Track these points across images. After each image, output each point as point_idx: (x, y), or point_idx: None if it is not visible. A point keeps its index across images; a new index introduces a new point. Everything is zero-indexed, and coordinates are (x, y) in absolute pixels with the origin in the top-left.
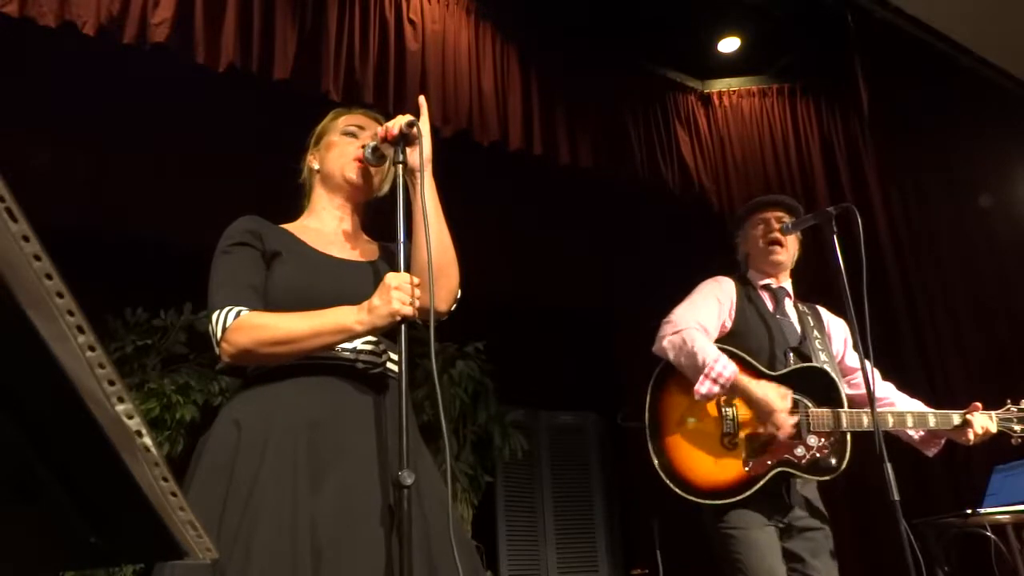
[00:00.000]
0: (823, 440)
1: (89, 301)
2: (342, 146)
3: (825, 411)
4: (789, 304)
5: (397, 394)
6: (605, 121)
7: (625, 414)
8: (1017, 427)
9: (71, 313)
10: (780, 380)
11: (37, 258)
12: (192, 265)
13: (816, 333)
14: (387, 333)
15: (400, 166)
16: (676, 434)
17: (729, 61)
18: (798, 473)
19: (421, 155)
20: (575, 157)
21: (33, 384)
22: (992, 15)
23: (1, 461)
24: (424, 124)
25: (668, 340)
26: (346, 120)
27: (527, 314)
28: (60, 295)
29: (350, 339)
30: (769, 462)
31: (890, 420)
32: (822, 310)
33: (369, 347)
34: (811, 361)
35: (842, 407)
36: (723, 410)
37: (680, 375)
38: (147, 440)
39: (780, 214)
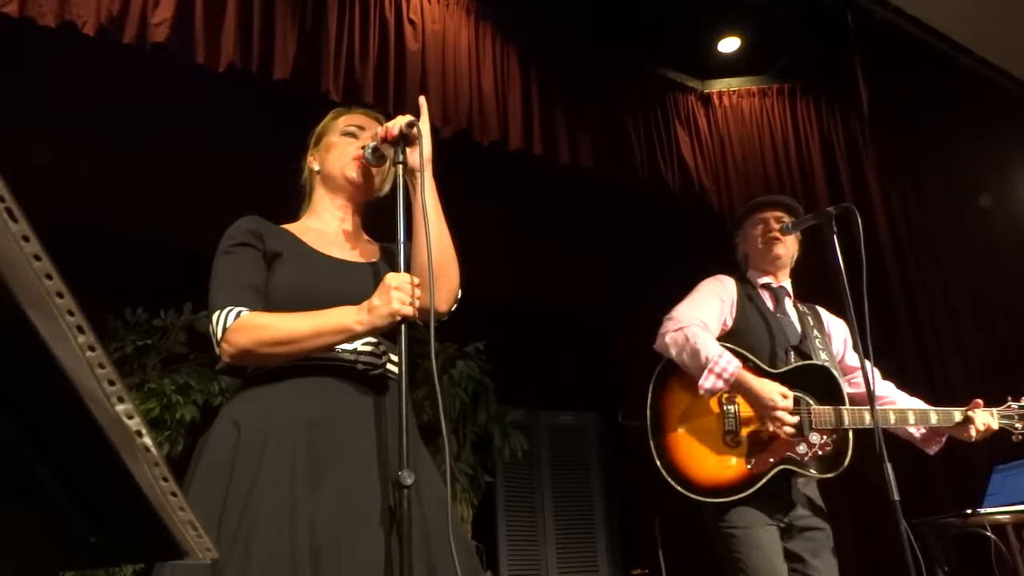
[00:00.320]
0: (825, 437)
1: (89, 301)
2: (342, 146)
3: (827, 408)
4: (789, 303)
5: (397, 394)
6: (605, 121)
7: (626, 412)
8: (1018, 424)
9: (71, 313)
10: (782, 378)
11: (37, 258)
12: (192, 265)
13: (816, 332)
14: (387, 334)
15: (400, 166)
16: (677, 432)
17: (729, 61)
18: (800, 470)
19: (421, 155)
20: (575, 157)
21: (33, 384)
22: (992, 15)
23: (1, 461)
24: (424, 124)
25: (670, 337)
26: (346, 120)
27: (527, 314)
28: (60, 295)
29: (350, 339)
30: (771, 459)
31: (892, 417)
32: (822, 310)
33: (369, 348)
34: (812, 359)
35: (844, 404)
36: (725, 407)
37: (682, 373)
38: (147, 440)
39: (780, 214)
